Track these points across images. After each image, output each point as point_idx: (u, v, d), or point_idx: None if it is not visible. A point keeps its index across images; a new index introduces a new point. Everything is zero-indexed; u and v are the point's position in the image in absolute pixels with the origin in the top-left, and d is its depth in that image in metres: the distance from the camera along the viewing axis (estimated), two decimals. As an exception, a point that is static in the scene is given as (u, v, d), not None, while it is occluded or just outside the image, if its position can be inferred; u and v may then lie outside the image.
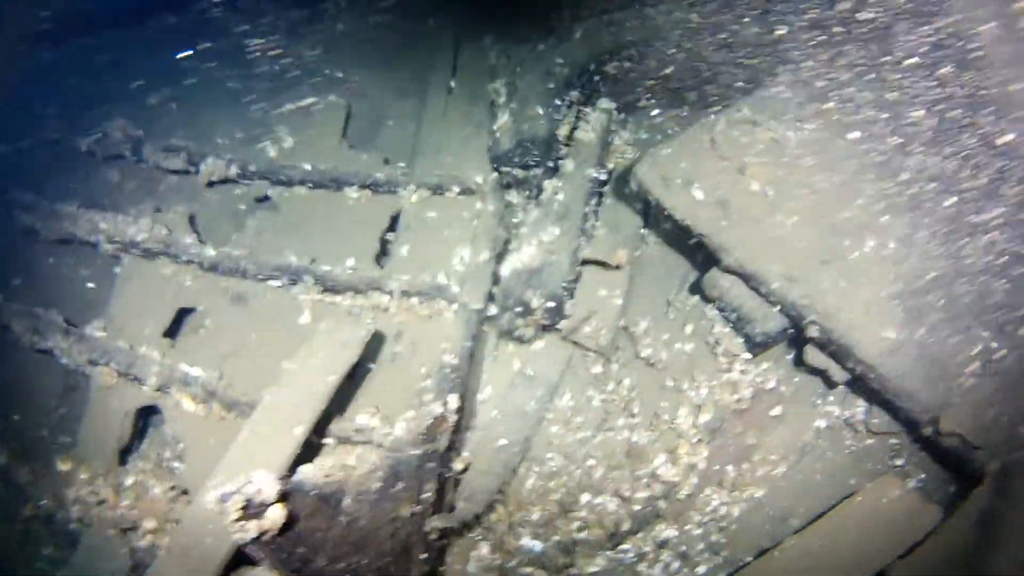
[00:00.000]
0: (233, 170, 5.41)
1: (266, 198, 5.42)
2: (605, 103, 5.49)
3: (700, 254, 4.71)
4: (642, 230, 5.11)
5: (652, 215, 4.96)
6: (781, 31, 5.75)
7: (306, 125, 5.80)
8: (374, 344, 4.42)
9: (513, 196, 5.37)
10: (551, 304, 4.51)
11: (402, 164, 5.57)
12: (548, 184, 5.00)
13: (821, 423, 4.48)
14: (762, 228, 4.46)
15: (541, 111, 5.34)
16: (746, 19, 5.87)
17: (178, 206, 5.42)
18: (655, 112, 6.12)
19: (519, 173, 5.32)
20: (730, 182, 4.60)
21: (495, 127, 5.38)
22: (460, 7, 6.68)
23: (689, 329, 4.75)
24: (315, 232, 5.17)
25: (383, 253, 5.07)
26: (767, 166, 4.65)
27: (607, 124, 5.35)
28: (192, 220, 5.31)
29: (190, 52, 6.18)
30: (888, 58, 5.04)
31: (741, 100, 5.03)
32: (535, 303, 4.49)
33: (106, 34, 6.13)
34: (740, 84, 5.99)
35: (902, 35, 4.87)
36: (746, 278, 4.44)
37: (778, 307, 4.38)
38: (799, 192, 4.58)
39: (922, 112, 4.81)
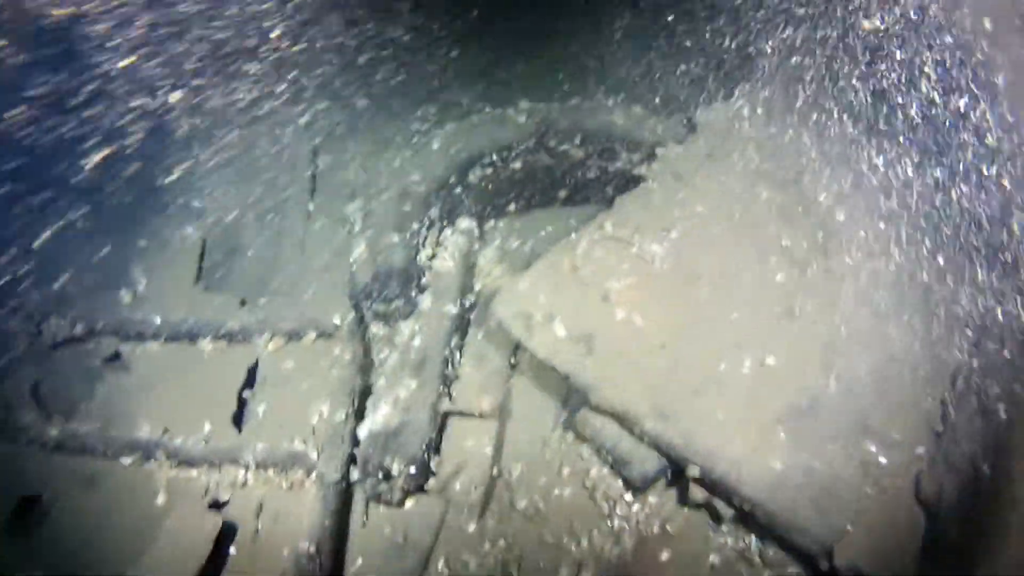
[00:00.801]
0: (79, 328, 5.00)
1: (117, 355, 4.99)
2: (465, 223, 5.19)
3: (571, 391, 4.38)
4: (510, 367, 4.74)
5: (522, 354, 4.62)
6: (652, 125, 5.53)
7: (160, 265, 5.39)
8: (227, 533, 4.03)
9: (377, 329, 5.00)
10: (412, 469, 4.16)
11: (262, 300, 5.17)
12: (404, 326, 4.65)
13: (715, 559, 4.22)
14: (629, 361, 4.22)
15: (396, 238, 5.00)
16: (612, 114, 5.63)
17: (20, 373, 4.95)
18: (524, 215, 5.82)
19: (379, 308, 4.97)
20: (594, 312, 4.35)
21: (351, 259, 5.00)
22: (321, 116, 6.33)
23: (566, 472, 4.46)
24: (169, 392, 4.81)
25: (240, 413, 4.67)
26: (632, 289, 4.41)
27: (468, 248, 5.02)
28: (36, 389, 4.86)
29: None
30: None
31: (604, 213, 4.74)
32: (395, 469, 4.15)
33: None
34: (611, 177, 5.74)
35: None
36: (617, 417, 4.18)
37: (654, 447, 4.06)
38: (667, 314, 4.36)
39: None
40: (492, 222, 5.81)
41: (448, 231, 5.18)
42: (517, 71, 6.35)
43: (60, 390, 4.96)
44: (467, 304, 4.97)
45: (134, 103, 6.08)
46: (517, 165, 5.72)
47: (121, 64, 5.80)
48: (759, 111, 5.35)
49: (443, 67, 6.57)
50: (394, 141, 6.11)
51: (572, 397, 4.47)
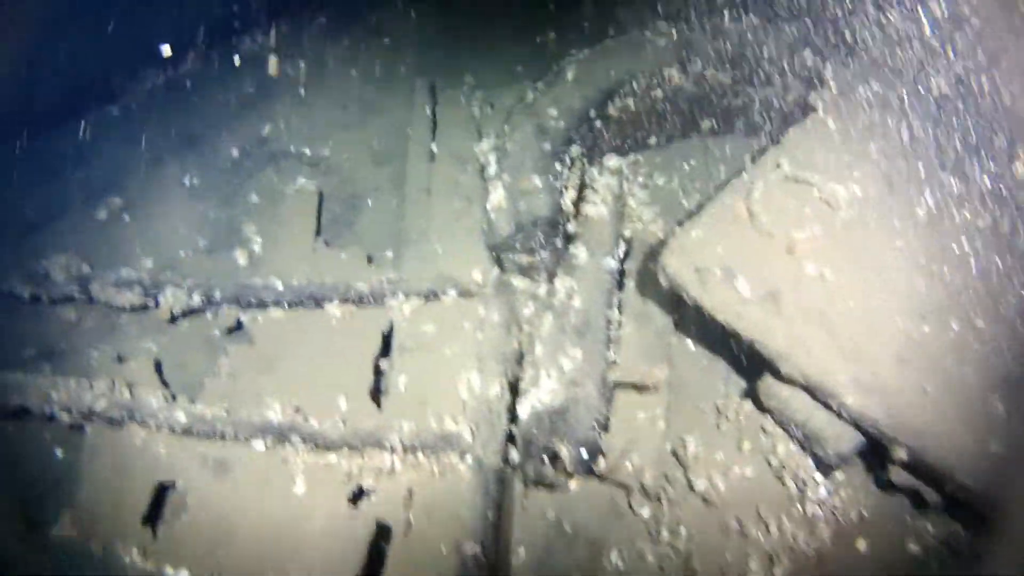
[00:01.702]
0: (196, 299, 4.52)
1: (239, 325, 4.51)
2: (613, 161, 4.52)
3: (748, 354, 3.74)
4: (674, 326, 4.11)
5: (686, 312, 3.97)
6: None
7: (275, 221, 4.86)
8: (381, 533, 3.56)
9: (520, 282, 4.39)
10: (584, 452, 3.58)
11: (389, 254, 4.61)
12: (559, 283, 4.03)
13: (916, 548, 3.59)
14: (825, 324, 3.54)
15: (539, 181, 4.38)
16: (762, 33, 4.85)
17: (140, 350, 4.54)
18: (665, 148, 5.11)
19: (523, 259, 4.37)
20: (780, 267, 3.69)
21: (488, 206, 4.39)
22: (434, 47, 5.68)
23: (747, 447, 3.84)
24: (298, 366, 4.30)
25: (379, 386, 4.13)
26: (819, 239, 3.70)
27: (619, 190, 4.35)
28: (158, 367, 4.43)
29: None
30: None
31: (776, 149, 4.03)
32: (564, 452, 3.59)
33: (33, 139, 5.05)
34: (765, 110, 5.00)
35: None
36: (810, 389, 3.53)
37: (853, 424, 3.44)
38: (861, 269, 3.65)
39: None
40: (633, 156, 5.11)
41: (595, 171, 4.51)
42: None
43: (183, 368, 4.48)
44: (622, 255, 4.30)
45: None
46: (658, 93, 4.99)
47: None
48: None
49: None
50: (518, 75, 5.44)
51: (751, 361, 3.79)
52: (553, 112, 4.69)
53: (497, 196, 4.43)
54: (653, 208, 4.66)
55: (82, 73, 5.21)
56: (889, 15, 4.55)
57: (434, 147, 4.99)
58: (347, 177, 5.17)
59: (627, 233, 4.54)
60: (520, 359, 4.07)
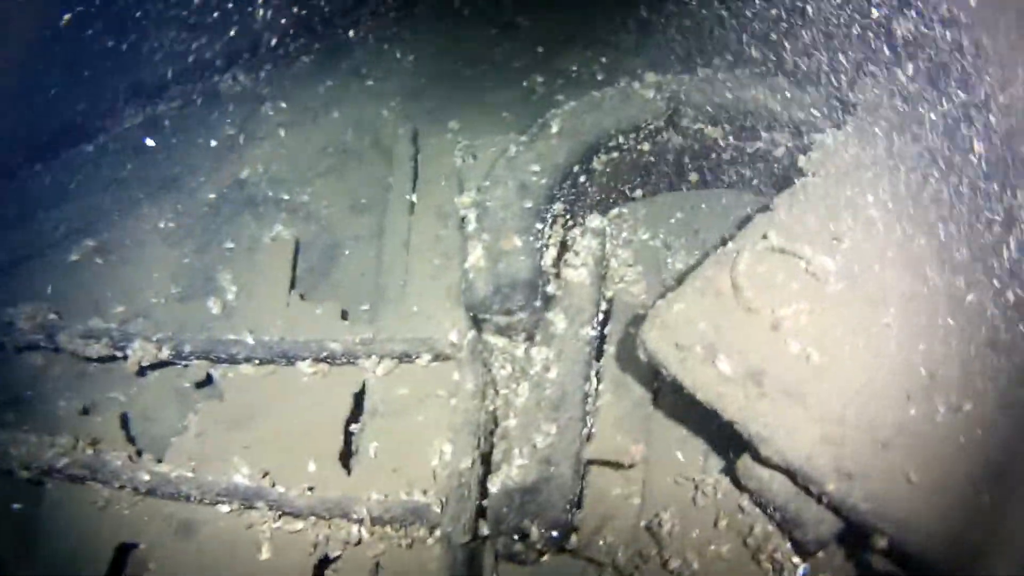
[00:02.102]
0: (165, 352, 4.36)
1: (209, 380, 4.37)
2: (596, 222, 4.40)
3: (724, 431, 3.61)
4: (652, 397, 3.99)
5: (665, 386, 3.84)
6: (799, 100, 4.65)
7: (251, 270, 4.72)
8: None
9: (497, 341, 4.27)
10: (555, 532, 3.45)
11: (365, 307, 4.48)
12: (536, 353, 3.91)
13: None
14: (808, 406, 3.42)
15: (519, 242, 4.24)
16: (752, 87, 4.74)
17: (108, 401, 4.44)
18: (650, 201, 4.99)
19: (501, 320, 4.23)
20: (763, 345, 3.56)
21: (466, 265, 4.25)
22: (420, 90, 5.56)
23: (724, 525, 3.69)
24: (267, 425, 4.18)
25: (349, 451, 3.99)
26: (805, 315, 3.58)
27: (601, 252, 4.22)
28: (125, 421, 4.30)
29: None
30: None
31: (763, 217, 3.91)
32: (535, 533, 3.44)
33: (3, 179, 4.91)
34: (753, 164, 4.88)
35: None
36: (791, 473, 3.38)
37: (833, 509, 3.34)
38: (848, 347, 3.53)
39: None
40: (617, 210, 4.98)
41: (576, 231, 4.37)
42: (637, 38, 5.48)
43: (150, 421, 4.34)
44: (602, 319, 4.17)
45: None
46: (645, 147, 4.87)
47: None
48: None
49: (549, 31, 5.74)
50: (504, 121, 5.32)
51: (730, 440, 3.65)
52: (536, 168, 4.55)
53: (476, 255, 4.28)
54: (636, 268, 4.54)
55: (56, 112, 5.06)
56: (881, 69, 4.47)
57: (414, 198, 4.85)
58: (326, 225, 5.04)
59: (608, 294, 4.41)
60: (494, 430, 3.93)
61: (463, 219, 4.56)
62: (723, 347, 3.55)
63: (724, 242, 3.96)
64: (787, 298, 3.65)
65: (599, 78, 5.72)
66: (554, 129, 4.76)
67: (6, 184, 4.98)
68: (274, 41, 5.61)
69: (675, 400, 3.91)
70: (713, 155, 5.02)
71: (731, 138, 4.94)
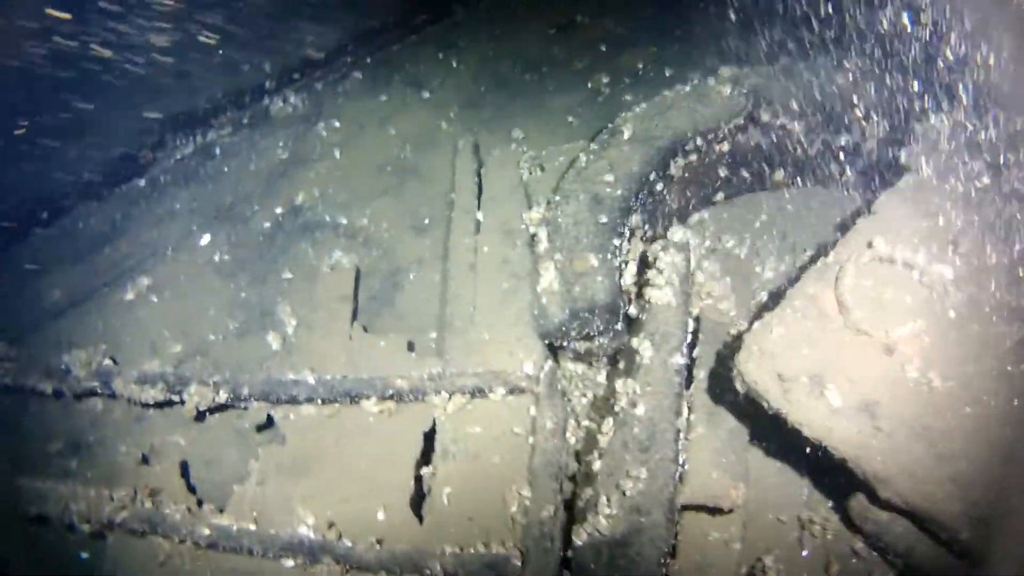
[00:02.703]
0: (223, 395, 4.08)
1: (269, 422, 4.05)
2: (679, 234, 3.95)
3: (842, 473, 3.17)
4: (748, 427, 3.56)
5: (764, 419, 3.39)
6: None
7: (310, 302, 4.39)
8: None
9: (576, 368, 3.89)
10: (650, 588, 3.05)
11: (432, 336, 4.12)
12: (621, 387, 3.50)
13: None
14: (932, 441, 2.97)
15: (595, 260, 3.85)
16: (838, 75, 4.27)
17: (168, 446, 4.21)
18: (737, 203, 4.54)
19: (580, 347, 3.85)
20: (877, 371, 3.14)
21: (539, 288, 3.86)
22: (478, 99, 5.18)
23: (835, 571, 3.25)
24: (332, 471, 3.86)
25: (420, 496, 3.63)
26: (924, 335, 3.09)
27: (685, 268, 3.79)
28: (185, 469, 4.00)
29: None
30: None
31: (866, 222, 3.45)
32: (627, 590, 3.04)
33: (56, 219, 4.69)
34: (837, 153, 4.40)
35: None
36: (913, 517, 2.91)
37: (962, 557, 2.90)
38: (973, 370, 3.05)
39: None
40: (697, 216, 4.54)
41: (658, 246, 3.93)
42: (707, 30, 5.00)
43: (211, 467, 4.07)
44: (690, 341, 3.74)
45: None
46: (725, 147, 4.43)
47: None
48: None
49: (612, 28, 5.31)
50: (570, 126, 4.91)
51: (843, 479, 3.20)
52: (609, 178, 4.15)
53: (548, 278, 3.92)
54: (723, 282, 4.08)
55: (106, 147, 4.82)
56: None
57: (479, 216, 4.48)
58: (387, 249, 4.70)
59: (694, 311, 3.97)
60: (577, 472, 3.54)
61: (532, 237, 4.18)
62: (831, 376, 3.13)
63: (823, 251, 3.52)
64: (901, 316, 3.21)
65: (668, 74, 5.27)
66: (626, 135, 4.35)
67: (61, 223, 4.74)
68: (324, 57, 5.28)
69: (777, 435, 3.46)
70: (798, 151, 4.55)
71: (817, 132, 4.46)
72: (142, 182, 5.12)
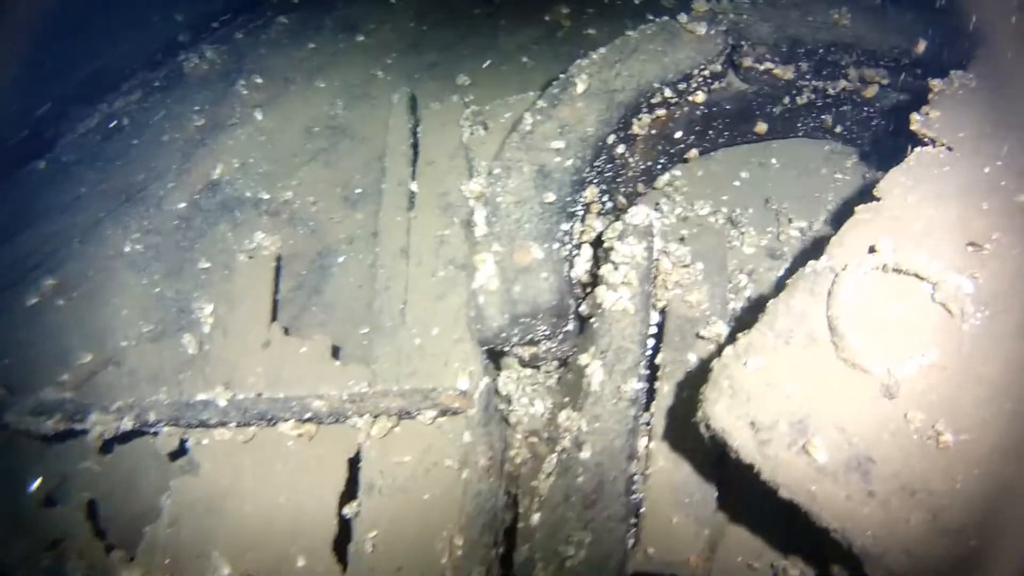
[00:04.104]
0: (128, 423, 3.31)
1: (183, 448, 3.31)
2: (639, 215, 3.08)
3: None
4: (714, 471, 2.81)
5: (736, 471, 2.62)
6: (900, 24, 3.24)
7: (228, 296, 3.59)
8: None
9: (519, 374, 3.15)
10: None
11: (364, 331, 3.41)
12: (566, 421, 2.73)
13: None
14: (934, 508, 2.23)
15: (539, 252, 3.03)
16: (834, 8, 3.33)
17: (75, 482, 3.49)
18: (714, 159, 3.67)
19: (523, 352, 3.06)
20: (874, 419, 2.33)
21: (475, 285, 3.05)
22: (421, 41, 4.24)
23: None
24: (249, 508, 3.16)
25: (343, 539, 2.94)
26: (935, 373, 2.28)
27: (647, 261, 2.95)
28: (92, 509, 3.31)
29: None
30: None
31: (866, 211, 2.63)
32: None
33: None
34: (832, 103, 3.50)
35: None
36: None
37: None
38: (992, 419, 2.29)
39: None
40: (667, 176, 3.66)
41: (614, 232, 3.08)
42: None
43: (121, 505, 3.37)
44: (653, 352, 2.93)
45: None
46: (699, 98, 3.50)
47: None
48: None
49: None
50: (524, 69, 4.00)
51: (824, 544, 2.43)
52: (558, 144, 3.28)
53: (485, 273, 3.09)
54: (695, 266, 3.22)
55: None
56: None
57: (414, 187, 3.61)
58: (314, 227, 3.89)
59: (660, 303, 3.15)
60: (517, 518, 2.80)
61: (471, 216, 3.33)
62: (817, 423, 2.34)
63: (815, 251, 2.66)
64: (906, 346, 2.38)
65: (637, 1, 4.28)
66: (579, 88, 3.45)
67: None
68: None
69: (750, 487, 2.68)
70: (785, 99, 3.61)
71: (808, 78, 3.51)
72: (42, 164, 4.25)
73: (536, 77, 4.01)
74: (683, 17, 3.61)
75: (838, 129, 3.66)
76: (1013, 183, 2.65)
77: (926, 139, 2.80)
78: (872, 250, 2.51)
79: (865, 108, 3.56)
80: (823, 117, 3.65)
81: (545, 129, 3.37)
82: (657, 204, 3.58)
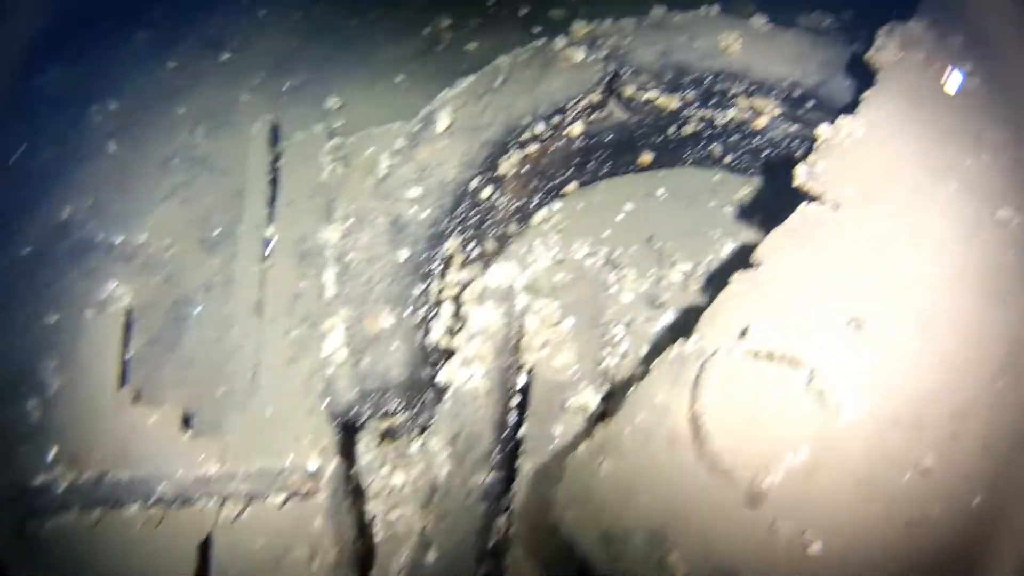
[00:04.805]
0: (-47, 504, 2.93)
1: (19, 530, 2.94)
2: (500, 273, 2.80)
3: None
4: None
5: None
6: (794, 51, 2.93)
7: (74, 355, 3.20)
8: None
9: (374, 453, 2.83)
10: None
11: (223, 391, 3.03)
12: (413, 516, 2.41)
13: None
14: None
15: (390, 318, 2.66)
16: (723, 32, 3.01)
17: None
18: (594, 190, 3.36)
19: (378, 426, 2.73)
20: (735, 530, 2.05)
21: (322, 354, 2.71)
22: (291, 60, 3.82)
23: None
24: (91, 600, 2.75)
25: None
26: (804, 475, 2.11)
27: (507, 330, 2.63)
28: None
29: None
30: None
31: (738, 289, 2.42)
32: None
33: None
34: (721, 132, 3.17)
35: None
36: None
37: None
38: (870, 523, 2.04)
39: None
40: (544, 211, 3.31)
41: (472, 295, 2.74)
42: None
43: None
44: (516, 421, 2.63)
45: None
46: (576, 129, 3.13)
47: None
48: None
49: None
50: (397, 89, 3.61)
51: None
52: (415, 193, 2.91)
53: (335, 340, 2.73)
54: (566, 322, 2.90)
55: None
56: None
57: (270, 231, 3.22)
58: (170, 273, 3.47)
59: (526, 363, 2.83)
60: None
61: (321, 281, 2.95)
62: (677, 534, 2.04)
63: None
64: (776, 445, 2.08)
65: (522, 13, 3.87)
66: (441, 125, 3.05)
67: None
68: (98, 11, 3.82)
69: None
70: (671, 129, 3.26)
71: (695, 107, 3.16)
72: None
73: (409, 99, 3.59)
74: (560, 41, 3.23)
75: (728, 159, 3.34)
76: (900, 247, 2.36)
77: (812, 194, 2.48)
78: (744, 332, 2.20)
79: (756, 138, 3.24)
80: (711, 147, 3.31)
81: (402, 173, 2.99)
82: (530, 247, 3.23)
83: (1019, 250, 2.30)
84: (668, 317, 3.01)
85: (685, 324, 2.93)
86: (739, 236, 3.20)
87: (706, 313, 2.32)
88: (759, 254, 2.38)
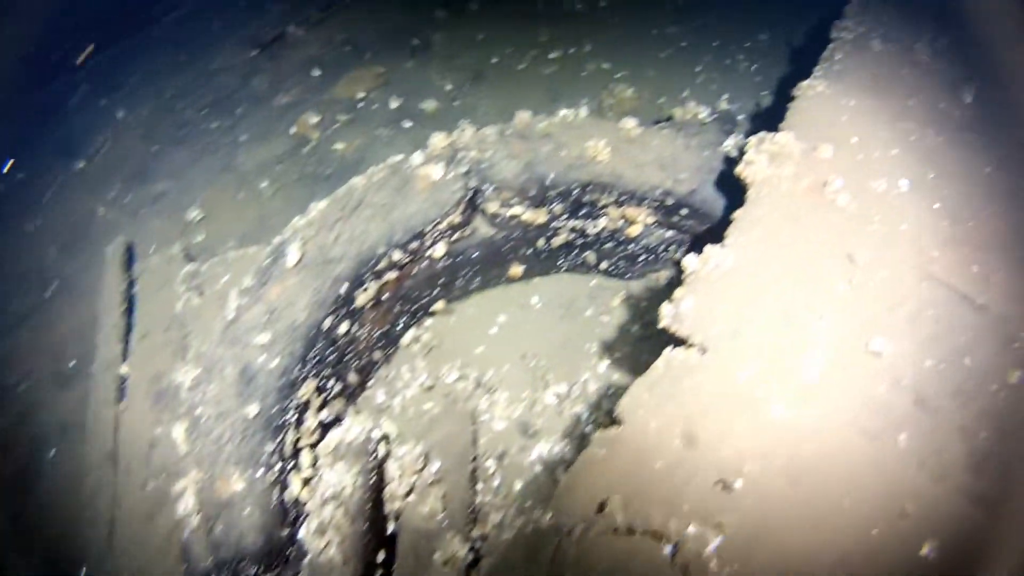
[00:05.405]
0: None
1: None
2: (354, 430, 2.65)
3: None
4: None
5: None
6: (664, 157, 2.76)
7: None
8: None
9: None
10: None
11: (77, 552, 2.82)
12: None
13: None
14: None
15: (241, 482, 2.45)
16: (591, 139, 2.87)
17: None
18: (466, 303, 3.19)
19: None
20: None
21: (176, 515, 2.48)
22: (149, 163, 3.55)
23: None
24: None
25: None
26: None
27: (363, 492, 2.45)
28: None
29: None
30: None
31: (595, 455, 2.31)
32: None
33: None
34: (592, 242, 3.04)
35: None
36: None
37: None
38: None
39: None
40: (412, 333, 3.11)
41: (325, 451, 2.54)
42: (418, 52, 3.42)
43: None
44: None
45: None
46: (439, 251, 2.95)
47: None
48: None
49: (327, 44, 3.66)
50: (259, 200, 3.38)
51: None
52: (264, 339, 2.68)
53: (186, 504, 2.49)
54: (432, 466, 2.72)
55: None
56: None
57: (125, 369, 2.97)
58: (24, 410, 3.17)
59: (394, 508, 2.64)
60: None
61: (172, 435, 2.72)
62: None
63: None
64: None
65: (394, 106, 3.67)
66: (291, 259, 2.82)
67: None
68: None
69: None
70: (540, 242, 3.09)
71: (564, 219, 3.00)
72: None
73: (275, 208, 3.38)
74: (417, 157, 3.02)
75: (604, 265, 3.18)
76: (770, 392, 2.20)
77: (678, 336, 2.31)
78: (603, 507, 2.04)
79: (631, 245, 3.09)
80: (585, 255, 3.15)
81: (251, 316, 2.76)
82: (397, 373, 3.04)
83: (892, 383, 2.18)
84: (542, 447, 2.84)
85: (561, 456, 2.79)
86: (615, 350, 3.05)
87: (561, 486, 2.16)
88: (621, 410, 2.22)
